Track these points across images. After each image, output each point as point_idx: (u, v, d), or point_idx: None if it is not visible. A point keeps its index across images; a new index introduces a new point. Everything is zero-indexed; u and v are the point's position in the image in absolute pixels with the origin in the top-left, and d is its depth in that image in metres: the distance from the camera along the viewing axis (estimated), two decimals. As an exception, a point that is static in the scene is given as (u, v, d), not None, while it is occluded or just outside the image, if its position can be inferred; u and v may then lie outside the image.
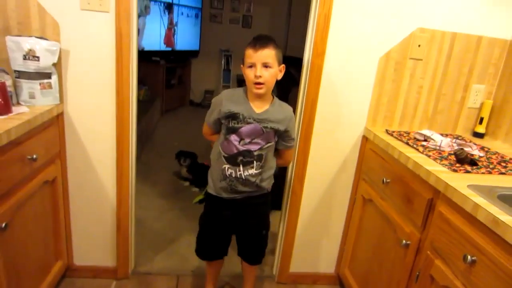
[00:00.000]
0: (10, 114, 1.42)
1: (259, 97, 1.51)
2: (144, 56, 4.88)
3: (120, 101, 1.71)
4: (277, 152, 1.65)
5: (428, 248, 1.29)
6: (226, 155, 1.55)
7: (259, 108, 1.52)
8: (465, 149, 1.59)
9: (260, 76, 1.43)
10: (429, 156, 1.47)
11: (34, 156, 1.46)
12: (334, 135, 1.89)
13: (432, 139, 1.66)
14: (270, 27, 5.90)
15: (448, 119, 1.94)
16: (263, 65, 1.43)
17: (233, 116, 1.50)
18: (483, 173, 1.35)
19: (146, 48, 4.83)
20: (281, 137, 1.58)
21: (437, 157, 1.47)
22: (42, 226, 1.65)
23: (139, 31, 4.57)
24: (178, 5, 5.23)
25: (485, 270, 1.02)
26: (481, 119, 1.93)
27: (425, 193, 1.33)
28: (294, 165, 1.91)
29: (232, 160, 1.54)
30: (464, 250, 1.10)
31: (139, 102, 4.34)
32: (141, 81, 4.66)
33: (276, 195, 2.14)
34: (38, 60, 1.54)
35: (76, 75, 1.68)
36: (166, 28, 5.13)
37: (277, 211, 2.11)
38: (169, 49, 5.31)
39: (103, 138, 1.78)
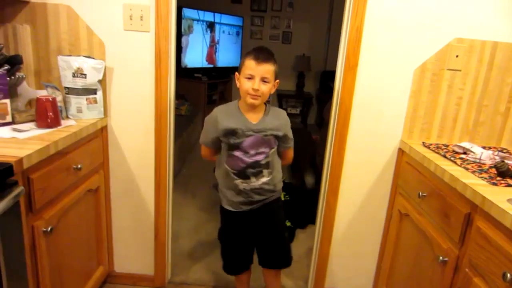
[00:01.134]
0: (59, 127, 1.55)
1: (253, 108, 1.53)
2: (187, 73, 5.10)
3: (158, 115, 1.80)
4: (278, 153, 1.67)
5: (467, 265, 1.22)
6: (235, 171, 1.57)
7: (254, 119, 1.55)
8: (509, 162, 1.50)
9: (258, 90, 1.46)
10: (467, 169, 1.41)
11: (79, 166, 1.57)
12: (369, 148, 1.86)
13: (472, 152, 1.59)
14: (309, 42, 5.93)
15: (491, 131, 1.84)
16: (262, 79, 1.47)
17: (231, 133, 1.52)
18: (527, 187, 1.27)
19: (189, 66, 5.03)
20: (281, 140, 1.60)
21: (476, 170, 1.40)
22: (85, 232, 1.75)
23: (182, 50, 4.78)
24: (220, 23, 5.41)
25: (526, 289, 0.95)
26: (529, 132, 1.81)
27: (462, 208, 1.28)
28: (328, 178, 1.90)
29: (242, 174, 1.57)
30: (503, 268, 1.03)
31: (182, 117, 4.55)
32: (183, 97, 4.85)
33: (310, 209, 2.14)
34: (85, 77, 1.67)
35: (119, 90, 1.80)
36: (208, 46, 5.32)
37: (312, 225, 2.10)
38: (211, 66, 5.48)
39: (142, 151, 1.88)
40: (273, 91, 1.54)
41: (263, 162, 1.55)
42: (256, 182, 1.57)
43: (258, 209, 1.64)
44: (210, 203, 3.21)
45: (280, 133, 1.56)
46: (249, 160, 1.54)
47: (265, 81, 1.47)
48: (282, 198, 3.01)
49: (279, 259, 1.76)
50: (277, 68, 1.51)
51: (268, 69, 1.46)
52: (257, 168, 1.56)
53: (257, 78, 1.46)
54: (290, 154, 1.73)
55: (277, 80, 1.54)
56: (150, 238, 2.02)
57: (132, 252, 2.05)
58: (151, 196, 1.95)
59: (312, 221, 2.07)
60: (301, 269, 2.33)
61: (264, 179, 1.58)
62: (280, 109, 1.65)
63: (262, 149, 1.55)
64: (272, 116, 1.57)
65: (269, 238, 1.72)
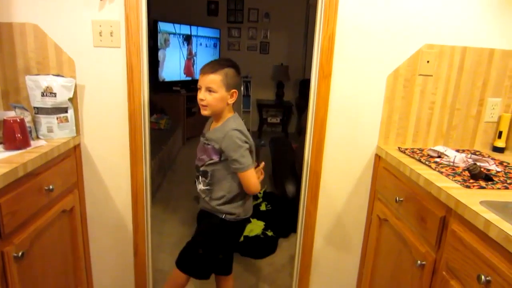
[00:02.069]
0: (28, 148, 1.50)
1: (213, 117, 1.60)
2: (165, 86, 5.07)
3: (133, 130, 1.77)
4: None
5: (444, 269, 1.23)
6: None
7: (212, 127, 1.62)
8: (481, 164, 1.53)
9: (203, 99, 1.51)
10: (441, 173, 1.43)
11: (51, 187, 1.52)
12: (347, 155, 1.87)
13: (446, 155, 1.61)
14: (287, 52, 6.00)
15: (464, 134, 1.88)
16: (207, 89, 1.50)
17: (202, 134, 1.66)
18: (498, 188, 1.30)
19: (167, 79, 5.00)
20: (225, 156, 1.53)
21: (450, 173, 1.42)
22: (61, 254, 1.70)
23: (159, 63, 4.76)
24: (197, 36, 5.42)
25: (501, 291, 0.96)
26: (500, 133, 1.86)
27: (437, 211, 1.29)
28: (307, 186, 1.90)
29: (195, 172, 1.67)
30: (478, 270, 1.04)
31: (161, 130, 4.51)
32: (162, 111, 4.81)
33: (292, 217, 2.14)
34: (55, 96, 1.63)
35: (91, 108, 1.76)
36: (185, 58, 5.30)
37: (295, 234, 2.09)
38: (189, 78, 5.47)
39: (118, 168, 1.84)
40: (230, 101, 1.55)
41: (201, 168, 1.61)
42: (197, 185, 1.66)
43: (200, 211, 1.73)
44: (192, 217, 3.17)
45: (216, 145, 1.53)
46: (196, 162, 1.65)
47: (210, 91, 1.50)
48: (264, 208, 3.03)
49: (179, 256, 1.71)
50: (229, 78, 1.51)
51: (211, 79, 1.49)
52: (196, 172, 1.65)
53: (202, 88, 1.52)
54: (243, 180, 1.54)
55: (234, 90, 1.54)
56: (130, 256, 1.97)
57: (111, 271, 2.00)
58: (129, 214, 1.90)
59: (295, 229, 2.06)
60: (284, 278, 2.31)
61: (200, 186, 1.63)
62: (232, 123, 1.54)
63: (202, 156, 1.60)
64: (221, 128, 1.55)
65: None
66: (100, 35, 1.65)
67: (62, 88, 1.64)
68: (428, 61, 1.77)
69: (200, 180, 1.63)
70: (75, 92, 1.70)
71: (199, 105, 1.55)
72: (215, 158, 1.56)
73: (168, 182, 3.92)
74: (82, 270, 1.89)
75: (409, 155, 1.67)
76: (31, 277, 1.45)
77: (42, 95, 1.62)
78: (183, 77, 5.34)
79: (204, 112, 1.55)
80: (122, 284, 2.01)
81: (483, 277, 1.00)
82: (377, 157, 1.86)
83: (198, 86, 1.54)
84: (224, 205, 1.60)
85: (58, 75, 1.66)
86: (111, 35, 1.65)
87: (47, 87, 1.62)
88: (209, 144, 1.56)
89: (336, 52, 1.74)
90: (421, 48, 1.76)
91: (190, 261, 1.67)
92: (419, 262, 1.34)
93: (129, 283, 2.01)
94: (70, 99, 1.69)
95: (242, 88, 6.01)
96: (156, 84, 4.88)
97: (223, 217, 1.60)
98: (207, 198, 1.62)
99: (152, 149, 3.87)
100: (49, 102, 1.63)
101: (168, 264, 2.42)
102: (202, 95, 1.52)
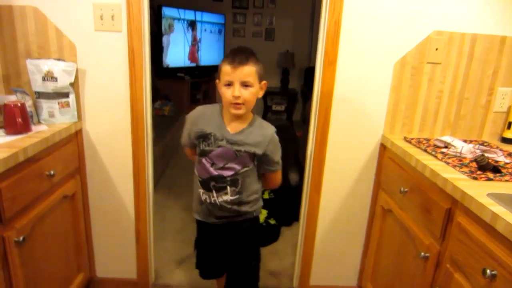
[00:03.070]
0: (29, 133, 1.49)
1: (237, 117, 1.37)
2: (169, 73, 5.03)
3: (135, 116, 1.75)
4: (262, 175, 1.50)
5: (448, 261, 1.21)
6: (200, 179, 1.43)
7: (234, 128, 1.37)
8: (489, 155, 1.50)
9: (239, 97, 1.29)
10: (448, 164, 1.39)
11: (52, 172, 1.51)
12: (351, 144, 1.84)
13: (453, 146, 1.58)
14: (293, 38, 5.91)
15: (472, 125, 1.84)
16: (243, 84, 1.29)
17: (204, 137, 1.38)
18: (507, 180, 1.26)
19: (171, 65, 4.95)
20: (262, 161, 1.41)
21: (457, 164, 1.39)
22: (63, 239, 1.70)
23: (163, 49, 4.71)
24: (201, 21, 5.35)
25: (507, 286, 0.94)
26: (510, 124, 1.81)
27: (442, 203, 1.26)
28: (310, 175, 1.87)
29: (205, 185, 1.41)
30: (483, 263, 1.02)
31: (165, 117, 4.48)
32: (166, 97, 4.78)
33: (295, 206, 2.12)
34: (56, 81, 1.61)
35: (93, 93, 1.74)
36: (190, 44, 5.25)
37: (297, 223, 2.08)
38: (194, 64, 5.41)
39: (120, 153, 1.82)
40: (261, 95, 1.37)
41: (229, 178, 1.38)
42: (217, 198, 1.40)
43: (225, 226, 1.47)
44: (195, 204, 3.17)
45: (258, 151, 1.36)
46: (214, 172, 1.38)
47: (246, 86, 1.29)
48: (267, 196, 3.01)
49: (238, 286, 1.59)
50: (260, 69, 1.33)
51: (247, 71, 1.28)
52: (220, 183, 1.38)
53: (236, 84, 1.29)
54: (276, 178, 1.50)
55: (264, 82, 1.37)
56: (132, 242, 1.97)
57: (113, 256, 2.00)
58: (131, 200, 1.90)
59: (297, 218, 2.05)
60: (286, 267, 2.31)
61: (227, 197, 1.39)
62: (270, 125, 1.42)
63: (231, 165, 1.37)
64: (255, 130, 1.37)
65: (233, 262, 1.56)
66: (101, 19, 1.62)
67: (63, 72, 1.62)
68: (436, 49, 1.72)
69: (228, 191, 1.39)
70: (76, 77, 1.68)
71: (231, 104, 1.31)
72: (251, 165, 1.40)
73: (172, 169, 3.92)
74: (84, 255, 1.90)
75: (415, 145, 1.63)
76: (33, 262, 1.45)
77: (43, 79, 1.60)
78: (187, 63, 5.29)
79: (239, 112, 1.32)
80: (124, 270, 2.02)
81: (488, 270, 0.98)
82: (382, 147, 1.83)
83: (228, 82, 1.30)
84: (255, 204, 1.49)
85: (59, 59, 1.63)
86: (112, 19, 1.61)
87: (48, 71, 1.59)
88: (244, 152, 1.35)
89: (342, 39, 1.70)
90: (429, 34, 1.71)
91: (251, 278, 1.57)
92: (422, 253, 1.33)
93: (131, 270, 2.02)
94: (72, 84, 1.66)
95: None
96: (160, 70, 4.84)
97: (255, 215, 1.50)
98: (235, 207, 1.42)
99: (156, 135, 3.86)
100: (50, 86, 1.61)
101: (171, 250, 2.43)
102: (238, 91, 1.28)
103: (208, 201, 1.42)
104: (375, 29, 1.69)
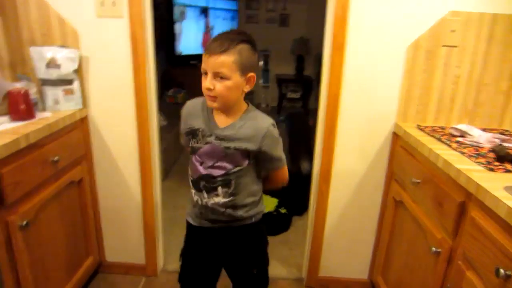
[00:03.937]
0: (33, 119, 1.49)
1: (226, 110, 1.21)
2: (182, 60, 5.00)
3: (139, 103, 1.73)
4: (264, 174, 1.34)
5: (460, 258, 1.14)
6: (191, 178, 1.30)
7: (223, 122, 1.21)
8: (509, 145, 1.41)
9: (210, 89, 1.13)
10: (463, 153, 1.31)
11: (56, 158, 1.51)
12: (361, 132, 1.77)
13: (470, 135, 1.49)
14: (308, 24, 5.77)
15: (492, 112, 1.73)
16: (216, 75, 1.12)
17: (193, 133, 1.24)
18: (526, 172, 1.18)
19: (184, 53, 4.92)
20: (260, 158, 1.25)
21: (473, 154, 1.31)
22: (70, 224, 1.71)
23: (176, 36, 4.67)
24: (214, 8, 5.27)
25: (522, 285, 0.87)
26: (532, 111, 1.71)
27: (456, 196, 1.19)
28: (320, 163, 1.82)
29: (196, 185, 1.28)
30: (497, 262, 0.95)
31: (178, 105, 4.47)
32: (179, 85, 4.77)
33: (307, 195, 2.07)
34: (60, 68, 1.60)
35: (97, 80, 1.72)
36: (203, 31, 5.19)
37: (307, 212, 2.04)
38: (207, 52, 5.37)
39: (126, 140, 1.82)
40: (247, 89, 1.18)
41: (219, 178, 1.23)
42: (208, 200, 1.26)
43: (221, 231, 1.31)
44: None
45: (251, 147, 1.19)
46: (203, 171, 1.24)
47: (221, 78, 1.11)
48: (279, 185, 2.96)
49: None
50: (246, 59, 1.13)
51: (222, 61, 1.09)
52: (210, 184, 1.24)
53: (209, 74, 1.12)
54: (280, 176, 1.35)
55: (251, 74, 1.16)
56: (140, 227, 1.97)
57: (122, 241, 2.02)
58: (138, 186, 1.89)
59: (305, 208, 2.00)
60: (295, 257, 2.27)
61: (218, 200, 1.25)
62: (266, 117, 1.25)
63: (221, 163, 1.21)
64: (247, 123, 1.21)
65: (233, 270, 1.41)
66: (102, 5, 1.59)
67: (66, 59, 1.60)
68: (453, 30, 1.62)
69: (220, 192, 1.24)
70: (80, 64, 1.66)
71: (205, 96, 1.17)
72: (245, 164, 1.23)
73: (185, 157, 3.91)
74: (93, 239, 1.92)
75: (428, 134, 1.55)
76: (38, 245, 1.47)
77: (47, 66, 1.58)
78: (200, 50, 5.24)
79: (213, 105, 1.16)
80: (132, 255, 2.04)
81: (502, 270, 0.91)
82: (395, 135, 1.75)
83: (203, 70, 1.14)
84: (253, 209, 1.31)
85: (62, 46, 1.61)
86: (113, 5, 1.58)
87: (52, 58, 1.58)
88: (234, 149, 1.19)
89: (351, 21, 1.61)
90: (445, 15, 1.60)
91: (256, 286, 1.43)
92: (434, 249, 1.26)
93: (139, 255, 2.03)
94: (75, 71, 1.65)
95: (261, 63, 5.87)
96: (173, 58, 4.81)
97: (253, 221, 1.32)
98: (229, 211, 1.27)
99: (168, 123, 3.83)
100: (54, 73, 1.60)
101: (181, 237, 2.41)
102: (208, 83, 1.12)
103: (199, 202, 1.29)
104: (385, 10, 1.60)
